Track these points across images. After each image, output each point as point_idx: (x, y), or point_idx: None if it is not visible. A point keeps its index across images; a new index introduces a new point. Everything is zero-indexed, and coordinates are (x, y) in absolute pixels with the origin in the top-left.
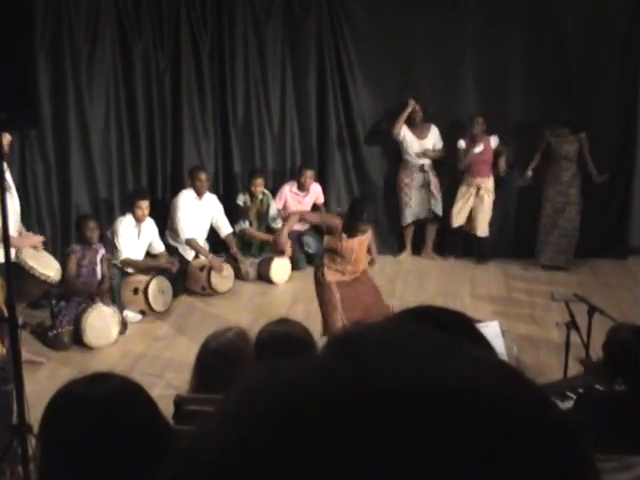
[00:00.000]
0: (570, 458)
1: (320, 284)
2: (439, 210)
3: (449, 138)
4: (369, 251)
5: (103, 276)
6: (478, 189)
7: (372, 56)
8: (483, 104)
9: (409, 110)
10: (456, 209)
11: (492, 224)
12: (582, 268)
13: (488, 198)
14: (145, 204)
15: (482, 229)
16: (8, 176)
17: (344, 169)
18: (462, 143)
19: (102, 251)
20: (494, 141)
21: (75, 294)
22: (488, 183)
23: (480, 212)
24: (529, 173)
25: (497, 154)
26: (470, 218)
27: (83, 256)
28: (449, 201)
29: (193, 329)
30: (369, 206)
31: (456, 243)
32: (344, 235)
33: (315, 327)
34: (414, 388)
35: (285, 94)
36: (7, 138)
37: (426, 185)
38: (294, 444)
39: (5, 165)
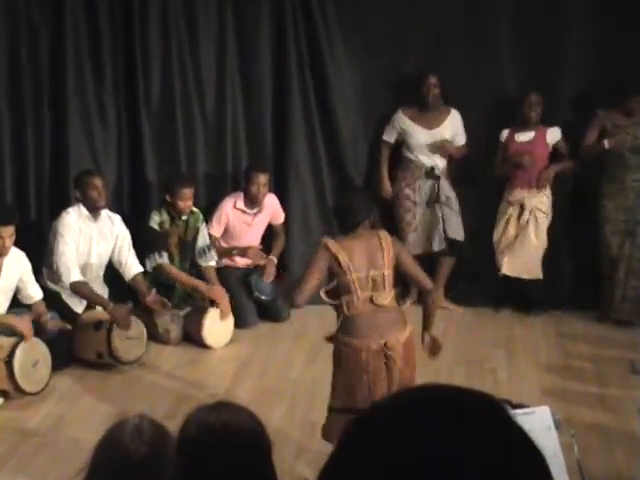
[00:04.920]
0: None
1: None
2: (459, 235)
3: (474, 130)
4: (411, 277)
5: None
6: (521, 208)
7: (360, 9)
8: (526, 80)
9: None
10: (495, 236)
11: (545, 262)
12: None
13: (536, 222)
14: (7, 232)
15: (527, 269)
16: None
17: (314, 173)
18: (505, 133)
19: None
20: (553, 134)
21: None
22: (536, 199)
23: (523, 243)
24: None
25: (553, 155)
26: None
27: None
28: (488, 222)
29: (83, 418)
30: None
31: (502, 288)
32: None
33: (269, 414)
34: None
35: (224, 62)
36: None
37: (436, 199)
38: None
39: None
